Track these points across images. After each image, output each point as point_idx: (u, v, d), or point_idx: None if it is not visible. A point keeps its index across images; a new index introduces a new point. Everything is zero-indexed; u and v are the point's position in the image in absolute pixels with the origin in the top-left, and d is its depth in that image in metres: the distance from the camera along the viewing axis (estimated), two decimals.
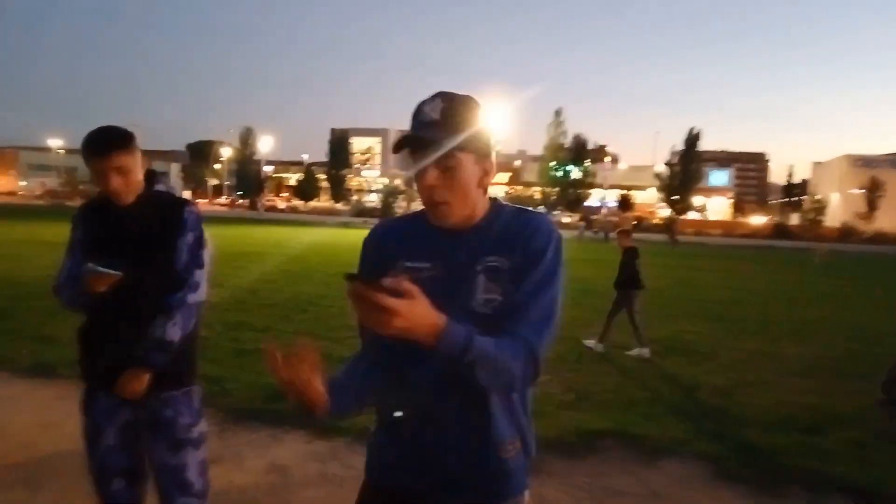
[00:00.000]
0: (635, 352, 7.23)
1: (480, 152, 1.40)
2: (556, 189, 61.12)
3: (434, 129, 1.35)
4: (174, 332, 2.20)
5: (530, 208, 1.48)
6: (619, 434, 4.59)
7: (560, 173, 60.53)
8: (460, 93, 1.41)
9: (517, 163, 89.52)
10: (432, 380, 1.39)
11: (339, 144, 77.61)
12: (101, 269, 2.07)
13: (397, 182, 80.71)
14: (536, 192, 67.05)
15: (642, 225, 47.31)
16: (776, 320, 10.51)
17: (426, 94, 1.43)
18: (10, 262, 12.61)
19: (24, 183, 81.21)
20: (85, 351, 2.29)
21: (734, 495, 3.78)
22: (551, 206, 60.96)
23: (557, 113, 62.05)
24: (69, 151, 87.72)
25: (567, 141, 61.56)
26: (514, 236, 1.41)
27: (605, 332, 7.42)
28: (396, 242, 1.49)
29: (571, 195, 60.80)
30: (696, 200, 68.06)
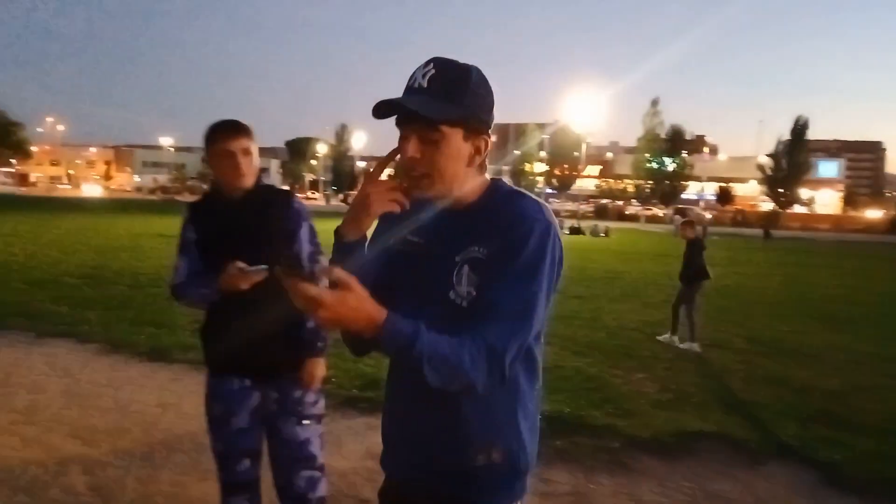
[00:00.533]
0: (665, 336, 7.38)
1: (471, 128, 1.26)
2: (651, 182, 59.22)
3: (419, 96, 1.22)
4: None
5: (526, 192, 1.33)
6: (720, 436, 4.43)
7: (655, 165, 58.59)
8: (460, 61, 1.27)
9: (609, 155, 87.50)
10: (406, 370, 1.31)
11: None
12: (250, 268, 2.16)
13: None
14: (629, 184, 65.23)
15: (739, 220, 44.89)
16: (892, 321, 9.78)
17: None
18: (129, 252, 13.60)
19: (137, 179, 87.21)
20: (213, 339, 2.42)
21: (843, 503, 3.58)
22: (645, 200, 59.25)
23: (654, 102, 60.18)
24: (178, 149, 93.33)
25: (664, 131, 59.45)
26: (498, 223, 1.27)
27: (692, 330, 7.18)
28: (412, 211, 1.37)
29: (667, 188, 58.73)
30: (803, 193, 64.17)
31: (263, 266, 2.15)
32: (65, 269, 10.77)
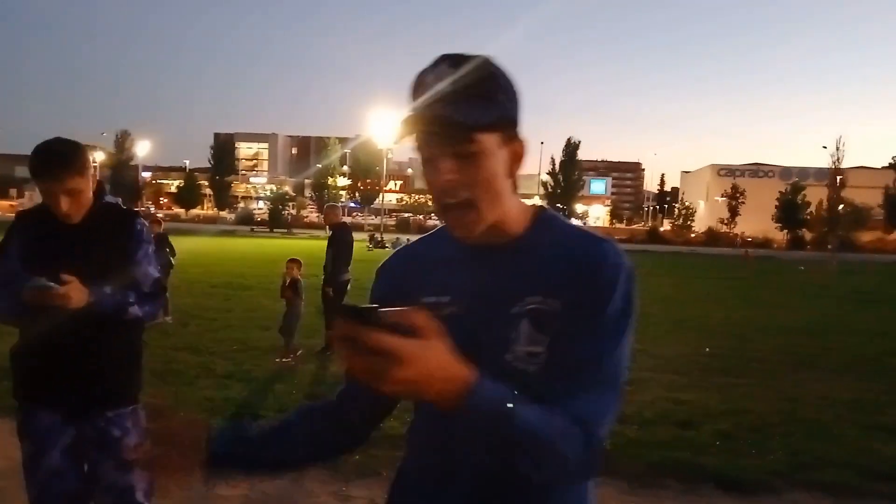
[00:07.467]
0: None
1: (507, 129, 1.03)
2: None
3: (444, 104, 0.97)
4: (136, 310, 2.15)
5: (593, 230, 1.11)
6: None
7: None
8: (471, 53, 1.02)
9: (409, 171, 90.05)
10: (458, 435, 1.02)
11: (224, 149, 75.04)
12: (46, 283, 1.89)
13: (286, 188, 78.81)
14: (428, 199, 67.46)
15: None
16: (654, 320, 10.98)
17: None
18: None
19: None
20: (23, 370, 2.17)
21: (612, 489, 3.88)
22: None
23: None
24: None
25: None
26: (570, 267, 1.02)
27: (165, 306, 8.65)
28: (415, 270, 1.14)
29: None
30: (579, 208, 71.35)
31: (53, 284, 1.88)
32: None
